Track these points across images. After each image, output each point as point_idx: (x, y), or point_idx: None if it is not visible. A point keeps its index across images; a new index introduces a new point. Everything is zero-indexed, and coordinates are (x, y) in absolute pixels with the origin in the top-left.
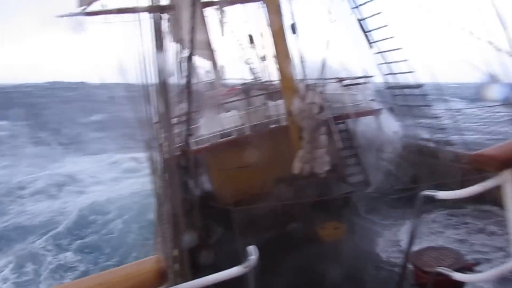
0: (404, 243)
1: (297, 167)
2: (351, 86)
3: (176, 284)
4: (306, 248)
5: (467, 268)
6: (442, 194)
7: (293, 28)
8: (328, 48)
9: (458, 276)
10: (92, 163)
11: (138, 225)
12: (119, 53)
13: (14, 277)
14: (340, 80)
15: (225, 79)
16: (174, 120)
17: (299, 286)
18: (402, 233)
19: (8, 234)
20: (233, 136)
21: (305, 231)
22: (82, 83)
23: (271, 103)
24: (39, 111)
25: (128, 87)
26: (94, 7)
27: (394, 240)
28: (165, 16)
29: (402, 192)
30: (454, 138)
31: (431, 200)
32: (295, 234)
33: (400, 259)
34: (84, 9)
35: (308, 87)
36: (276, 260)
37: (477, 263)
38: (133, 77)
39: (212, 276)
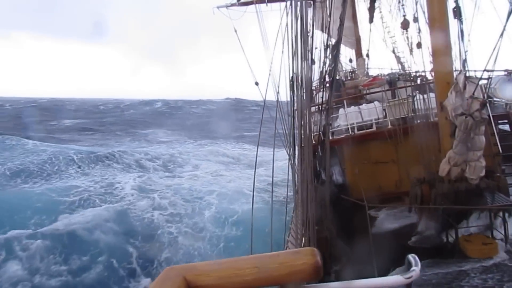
0: None
1: (444, 169)
2: None
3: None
4: (449, 260)
5: None
6: None
7: (457, 12)
8: (502, 36)
9: None
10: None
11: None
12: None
13: None
14: (510, 72)
15: (368, 68)
16: (313, 109)
17: None
18: None
19: None
20: (373, 129)
21: (443, 240)
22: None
23: (419, 96)
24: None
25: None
26: None
27: None
28: (309, 3)
29: None
30: None
31: None
32: (432, 242)
33: None
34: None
35: (468, 79)
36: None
37: None
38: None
39: (367, 281)
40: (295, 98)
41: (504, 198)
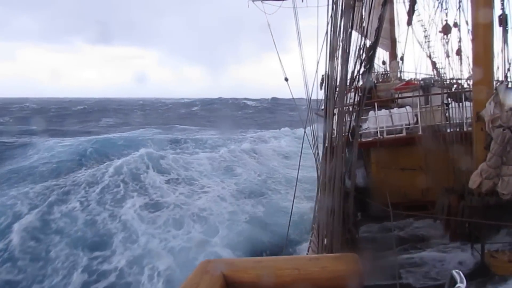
0: None
1: (475, 181)
2: None
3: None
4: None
5: None
6: None
7: (503, 20)
8: None
9: None
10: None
11: None
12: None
13: None
14: None
15: (402, 71)
16: (343, 110)
17: None
18: None
19: None
20: (402, 134)
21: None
22: None
23: (453, 104)
24: None
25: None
26: None
27: None
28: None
29: None
30: None
31: None
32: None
33: None
34: None
35: (510, 90)
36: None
37: None
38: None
39: None
40: (326, 97)
41: None
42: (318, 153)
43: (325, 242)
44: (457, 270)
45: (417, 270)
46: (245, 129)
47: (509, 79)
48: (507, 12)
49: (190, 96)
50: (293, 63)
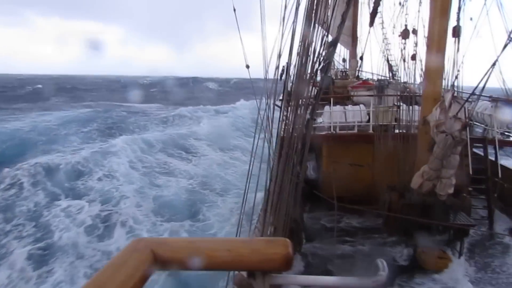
0: None
1: (417, 182)
2: (505, 108)
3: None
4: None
5: None
6: None
7: (457, 31)
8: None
9: None
10: None
11: None
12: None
13: None
14: (494, 99)
15: (360, 71)
16: (299, 102)
17: None
18: None
19: None
20: (354, 131)
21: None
22: None
23: (404, 106)
24: None
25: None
26: None
27: None
28: None
29: None
30: None
31: None
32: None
33: None
34: None
35: (455, 99)
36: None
37: None
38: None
39: (334, 278)
40: (285, 88)
41: (466, 218)
42: (271, 143)
43: (271, 230)
44: (381, 259)
45: (352, 260)
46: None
47: (455, 88)
48: (461, 24)
49: (151, 75)
50: (258, 42)
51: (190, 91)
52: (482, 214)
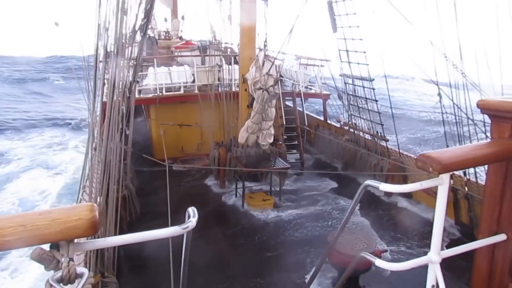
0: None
1: (243, 136)
2: (307, 66)
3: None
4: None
5: (376, 254)
6: (384, 186)
7: None
8: (296, 23)
9: (379, 262)
10: None
11: None
12: None
13: None
14: (298, 57)
15: (182, 31)
16: (122, 64)
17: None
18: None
19: None
20: (181, 92)
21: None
22: None
23: (225, 66)
24: None
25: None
26: None
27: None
28: None
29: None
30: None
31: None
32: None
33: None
34: None
35: (267, 57)
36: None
37: (385, 250)
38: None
39: (146, 233)
40: (105, 49)
41: (283, 163)
42: (94, 108)
43: (99, 200)
44: (192, 208)
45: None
46: None
47: (266, 48)
48: None
49: None
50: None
51: None
52: (295, 158)
